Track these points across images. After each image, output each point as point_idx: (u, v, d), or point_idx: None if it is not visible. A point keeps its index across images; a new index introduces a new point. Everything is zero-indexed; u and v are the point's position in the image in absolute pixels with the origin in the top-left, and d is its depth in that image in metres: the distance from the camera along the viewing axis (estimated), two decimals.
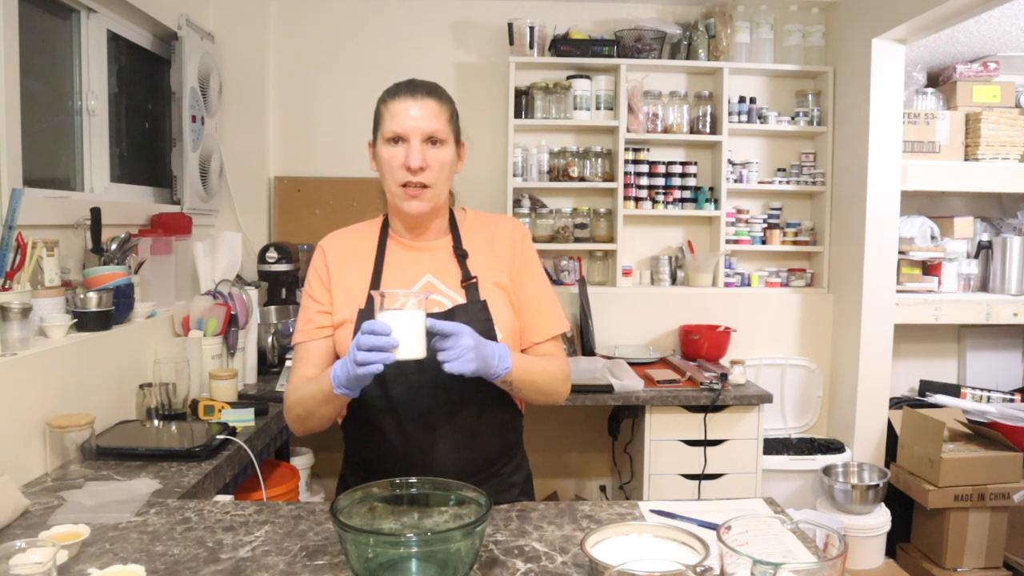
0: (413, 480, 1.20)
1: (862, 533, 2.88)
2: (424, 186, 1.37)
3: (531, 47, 3.31)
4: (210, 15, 3.23)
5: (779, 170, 3.52)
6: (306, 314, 1.46)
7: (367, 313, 1.37)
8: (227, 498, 1.62)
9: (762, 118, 3.42)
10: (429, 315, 1.25)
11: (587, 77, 3.36)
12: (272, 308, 2.92)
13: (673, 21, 3.42)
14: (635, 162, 3.37)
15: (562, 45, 3.28)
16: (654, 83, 3.42)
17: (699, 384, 2.84)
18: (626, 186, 3.34)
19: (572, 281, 3.42)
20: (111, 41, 2.62)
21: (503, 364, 1.30)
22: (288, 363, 2.65)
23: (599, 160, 3.38)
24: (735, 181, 3.42)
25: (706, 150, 3.52)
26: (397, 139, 1.37)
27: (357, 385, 1.26)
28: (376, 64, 3.41)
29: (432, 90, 1.40)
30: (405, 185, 1.37)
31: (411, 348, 1.20)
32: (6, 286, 1.71)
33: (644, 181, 3.38)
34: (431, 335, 1.23)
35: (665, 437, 2.80)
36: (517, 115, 3.32)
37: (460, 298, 1.42)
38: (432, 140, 1.37)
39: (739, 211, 3.49)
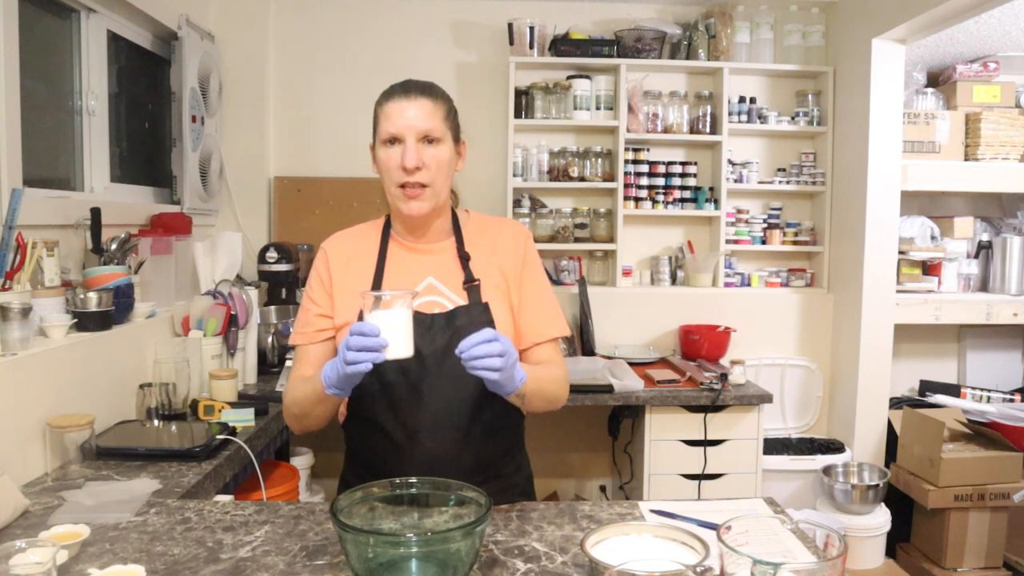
0: (413, 480, 1.19)
1: (862, 533, 2.88)
2: (422, 185, 1.37)
3: (531, 47, 3.31)
4: (210, 15, 3.23)
5: (779, 170, 3.52)
6: (305, 316, 1.47)
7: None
8: (227, 498, 1.62)
9: (762, 118, 3.42)
10: (433, 314, 1.25)
11: (587, 77, 3.36)
12: (272, 308, 2.92)
13: (673, 21, 3.42)
14: (635, 162, 3.37)
15: (562, 45, 3.28)
16: (654, 83, 3.41)
17: (699, 384, 2.84)
18: (626, 186, 3.34)
19: (572, 281, 3.41)
20: (111, 41, 2.62)
21: (520, 376, 1.30)
22: (288, 363, 2.66)
23: (599, 160, 3.38)
24: (735, 181, 3.42)
25: (706, 150, 3.52)
26: (393, 140, 1.37)
27: (348, 385, 1.27)
28: (376, 64, 3.41)
29: (426, 89, 1.40)
30: (403, 186, 1.37)
31: (398, 348, 1.21)
32: (6, 286, 1.71)
33: (644, 181, 3.38)
34: (456, 333, 1.28)
35: (665, 437, 2.80)
36: (517, 115, 3.32)
37: (462, 300, 1.42)
38: (428, 139, 1.37)
39: (739, 211, 3.49)
